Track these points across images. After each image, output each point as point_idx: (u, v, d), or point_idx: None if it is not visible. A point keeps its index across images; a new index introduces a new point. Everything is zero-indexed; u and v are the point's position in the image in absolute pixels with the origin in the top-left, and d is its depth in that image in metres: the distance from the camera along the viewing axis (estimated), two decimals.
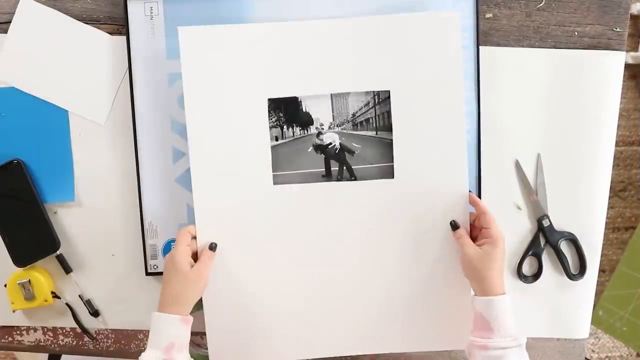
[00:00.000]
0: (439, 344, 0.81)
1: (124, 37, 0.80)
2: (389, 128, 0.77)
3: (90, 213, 0.83)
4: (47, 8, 0.80)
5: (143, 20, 0.80)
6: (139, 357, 0.69)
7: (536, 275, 0.85)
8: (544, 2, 0.81)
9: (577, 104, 0.82)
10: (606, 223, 0.85)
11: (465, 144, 0.77)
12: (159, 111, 0.81)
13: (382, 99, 0.77)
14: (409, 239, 0.78)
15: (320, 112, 0.77)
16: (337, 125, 0.77)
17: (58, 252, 0.83)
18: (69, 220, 0.83)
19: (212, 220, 0.77)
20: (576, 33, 0.82)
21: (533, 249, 0.84)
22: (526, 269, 0.85)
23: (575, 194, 0.84)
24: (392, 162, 0.77)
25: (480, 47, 0.80)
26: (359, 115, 0.77)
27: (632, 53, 1.66)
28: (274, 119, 0.76)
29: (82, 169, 0.83)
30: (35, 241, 0.82)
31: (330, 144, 0.76)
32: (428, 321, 0.80)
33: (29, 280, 0.82)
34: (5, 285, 0.83)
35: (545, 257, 0.84)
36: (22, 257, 0.82)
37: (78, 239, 0.84)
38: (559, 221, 0.83)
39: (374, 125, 0.78)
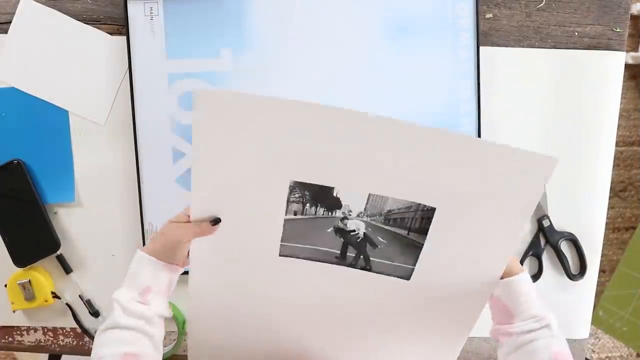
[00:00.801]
0: None
1: (124, 37, 0.79)
2: (423, 231, 0.64)
3: (90, 213, 0.83)
4: (47, 8, 0.80)
5: (143, 20, 0.79)
6: (113, 294, 0.63)
7: (536, 276, 0.85)
8: (544, 3, 0.81)
9: (577, 104, 0.82)
10: (606, 223, 0.85)
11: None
12: (159, 111, 0.80)
13: (427, 208, 0.63)
14: (417, 320, 0.71)
15: (352, 200, 0.64)
16: (367, 215, 0.65)
17: (58, 252, 0.83)
18: (69, 220, 0.83)
19: (209, 288, 0.70)
20: (576, 33, 0.81)
21: (533, 250, 0.84)
22: (526, 269, 0.82)
23: (575, 194, 0.84)
24: (414, 265, 0.66)
25: (480, 47, 0.80)
26: (395, 213, 0.65)
27: (632, 53, 1.66)
28: (297, 195, 0.64)
29: (82, 169, 0.82)
30: (36, 241, 0.82)
31: (354, 231, 0.66)
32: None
33: (29, 281, 0.82)
34: (5, 286, 0.83)
35: (545, 258, 0.84)
36: (22, 257, 0.82)
37: (78, 239, 0.84)
38: (559, 221, 0.83)
39: (408, 225, 0.65)
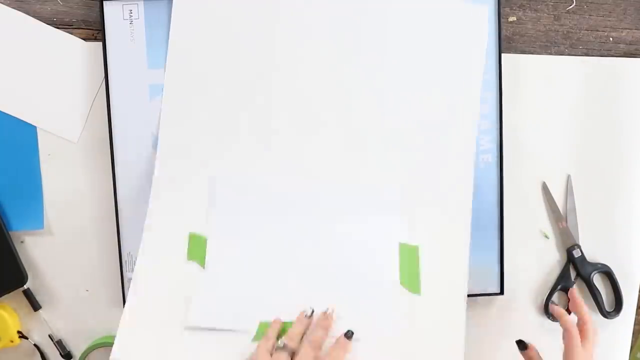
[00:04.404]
0: None
1: (100, 44, 0.75)
2: None
3: (61, 242, 0.78)
4: (12, 10, 0.76)
5: (121, 24, 0.75)
6: None
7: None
8: (574, 4, 0.79)
9: (613, 118, 0.79)
10: None
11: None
12: (139, 127, 0.76)
13: None
14: None
15: None
16: None
17: (25, 287, 0.78)
18: (38, 250, 0.79)
19: None
20: (611, 39, 0.79)
21: (562, 283, 0.79)
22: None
23: (610, 221, 0.80)
24: None
25: (502, 54, 0.76)
26: None
27: None
28: None
29: (53, 193, 0.78)
30: None
31: None
32: None
33: None
34: None
35: None
36: None
37: (48, 272, 0.79)
38: (592, 251, 0.80)
39: None
